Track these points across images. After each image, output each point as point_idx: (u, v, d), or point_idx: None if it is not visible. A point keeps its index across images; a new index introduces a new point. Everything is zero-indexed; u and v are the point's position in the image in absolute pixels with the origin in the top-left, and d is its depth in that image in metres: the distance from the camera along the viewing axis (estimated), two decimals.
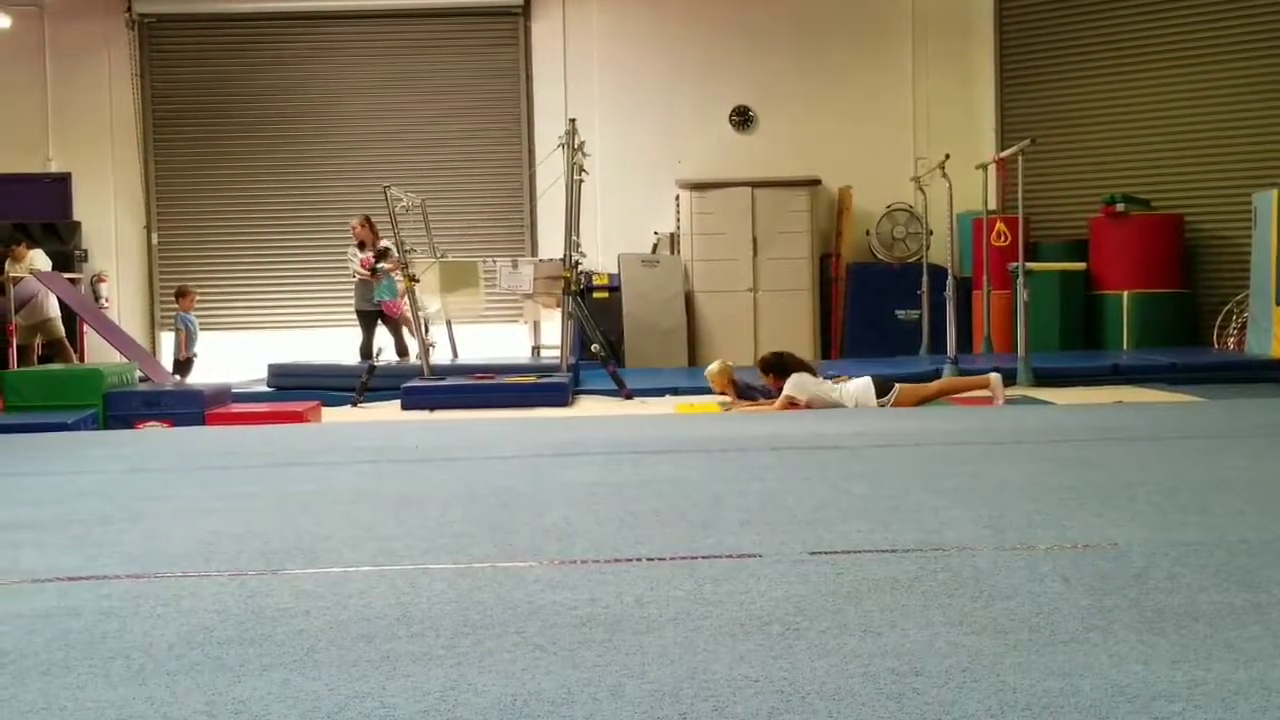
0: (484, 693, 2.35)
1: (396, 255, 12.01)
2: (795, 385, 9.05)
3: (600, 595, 3.09)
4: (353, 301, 13.41)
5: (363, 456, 6.31)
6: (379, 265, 12.81)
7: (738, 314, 14.68)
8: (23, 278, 12.81)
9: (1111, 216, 13.89)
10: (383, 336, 13.22)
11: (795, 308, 14.76)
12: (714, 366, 9.87)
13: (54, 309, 13.30)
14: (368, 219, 13.09)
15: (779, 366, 9.30)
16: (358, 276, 13.07)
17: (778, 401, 9.03)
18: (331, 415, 10.18)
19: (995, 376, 9.28)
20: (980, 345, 13.52)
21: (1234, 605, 2.87)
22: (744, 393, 9.62)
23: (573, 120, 11.95)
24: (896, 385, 9.07)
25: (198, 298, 14.51)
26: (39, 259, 13.28)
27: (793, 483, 4.99)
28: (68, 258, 14.58)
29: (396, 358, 13.03)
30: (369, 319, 13.15)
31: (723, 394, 9.75)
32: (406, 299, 12.00)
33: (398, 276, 12.20)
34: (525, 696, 2.32)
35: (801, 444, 6.31)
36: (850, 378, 9.33)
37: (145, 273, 15.74)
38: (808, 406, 9.00)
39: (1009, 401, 9.31)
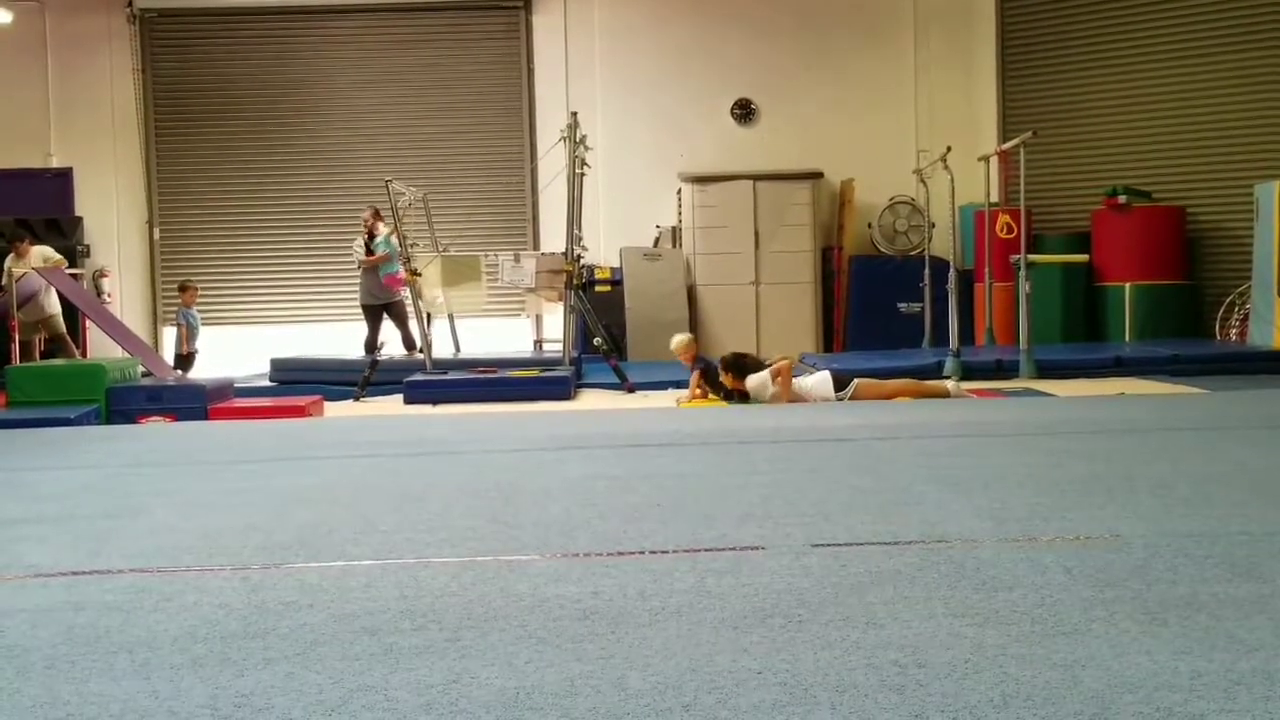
0: (487, 685, 2.36)
1: (389, 222, 12.03)
2: (760, 382, 9.16)
3: (603, 588, 3.10)
4: (356, 296, 13.41)
5: (365, 450, 6.31)
6: (377, 241, 12.77)
7: (740, 307, 14.67)
8: (25, 274, 12.81)
9: (1113, 208, 13.87)
10: (387, 331, 13.22)
11: (797, 301, 14.75)
12: (683, 338, 10.09)
13: (55, 305, 13.30)
14: (378, 211, 13.07)
15: (738, 367, 9.41)
16: (361, 266, 13.02)
17: (778, 392, 9.08)
18: (334, 409, 10.19)
19: (952, 384, 9.33)
20: (982, 337, 13.52)
21: (1236, 596, 2.87)
22: (707, 365, 9.82)
23: (574, 114, 11.95)
24: (854, 380, 9.14)
25: (200, 292, 14.52)
26: (43, 255, 13.30)
27: (794, 475, 4.99)
28: (70, 253, 14.57)
29: (404, 351, 13.02)
30: (374, 313, 13.14)
31: (689, 363, 9.99)
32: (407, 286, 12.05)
33: (396, 245, 12.21)
34: (528, 689, 2.32)
35: (803, 437, 6.31)
36: (814, 369, 9.50)
37: (147, 268, 15.75)
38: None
39: (1011, 394, 9.33)
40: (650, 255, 14.78)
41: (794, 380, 9.26)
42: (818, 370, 9.49)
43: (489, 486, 4.89)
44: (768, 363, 9.49)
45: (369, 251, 12.95)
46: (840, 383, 9.11)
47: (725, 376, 9.48)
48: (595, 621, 2.79)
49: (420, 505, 4.48)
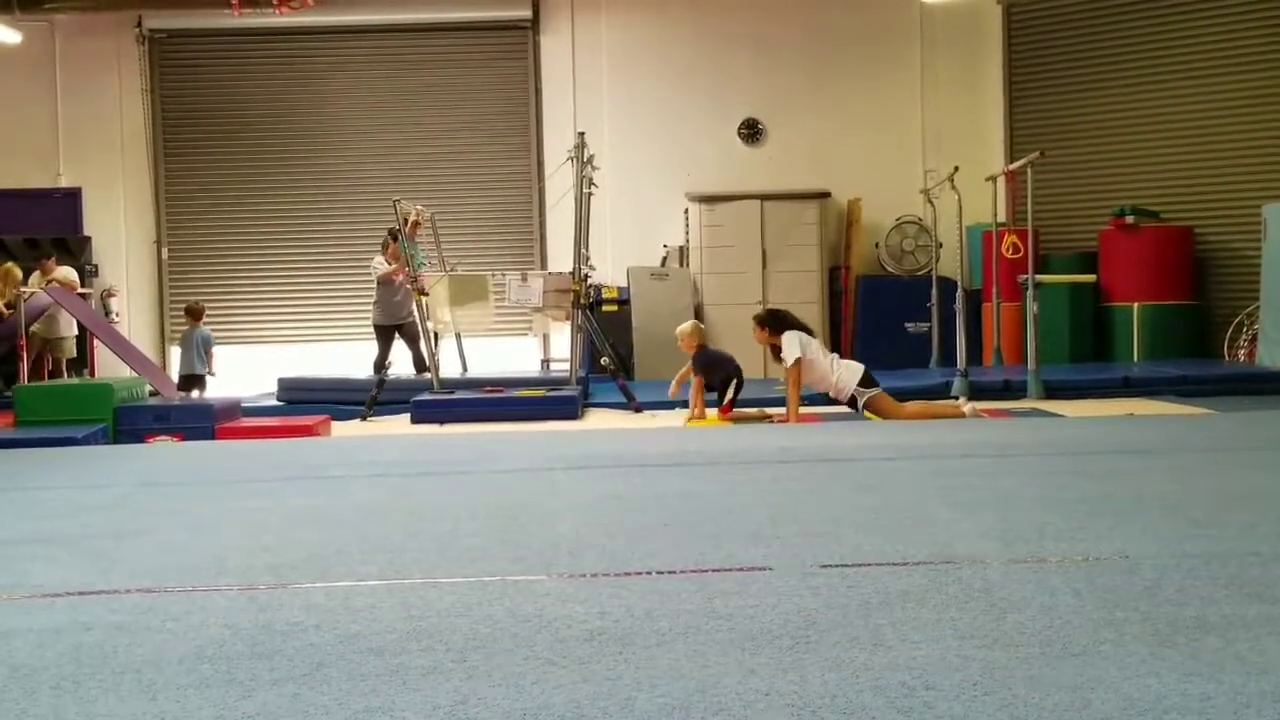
0: (494, 706, 2.35)
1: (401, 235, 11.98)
2: (793, 340, 9.14)
3: (610, 609, 3.09)
4: (363, 315, 13.39)
5: (372, 470, 6.31)
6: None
7: (747, 327, 14.59)
8: (34, 292, 12.85)
9: (1121, 228, 13.87)
10: (398, 351, 13.18)
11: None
12: (686, 326, 10.01)
13: (71, 328, 13.35)
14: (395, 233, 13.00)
15: (774, 321, 9.37)
16: (382, 281, 12.87)
17: (790, 375, 9.10)
18: (341, 429, 10.19)
19: (968, 406, 9.33)
20: (990, 357, 13.50)
21: (1246, 617, 2.86)
22: (707, 362, 9.70)
23: (582, 133, 11.97)
24: (878, 389, 9.17)
25: (208, 312, 14.54)
26: (64, 275, 13.39)
27: (803, 495, 4.98)
28: (79, 272, 14.65)
29: (415, 372, 12.97)
30: (386, 334, 13.09)
31: (691, 353, 9.90)
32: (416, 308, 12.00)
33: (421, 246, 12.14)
34: (535, 710, 2.32)
35: (811, 457, 6.29)
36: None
37: (155, 287, 15.79)
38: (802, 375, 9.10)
39: (1019, 414, 9.32)
40: (657, 275, 14.79)
41: (825, 361, 9.24)
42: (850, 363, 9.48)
43: (496, 506, 4.89)
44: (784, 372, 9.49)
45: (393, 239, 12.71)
46: (867, 382, 9.14)
47: (760, 333, 9.49)
48: (602, 642, 2.79)
49: (427, 525, 4.48)
